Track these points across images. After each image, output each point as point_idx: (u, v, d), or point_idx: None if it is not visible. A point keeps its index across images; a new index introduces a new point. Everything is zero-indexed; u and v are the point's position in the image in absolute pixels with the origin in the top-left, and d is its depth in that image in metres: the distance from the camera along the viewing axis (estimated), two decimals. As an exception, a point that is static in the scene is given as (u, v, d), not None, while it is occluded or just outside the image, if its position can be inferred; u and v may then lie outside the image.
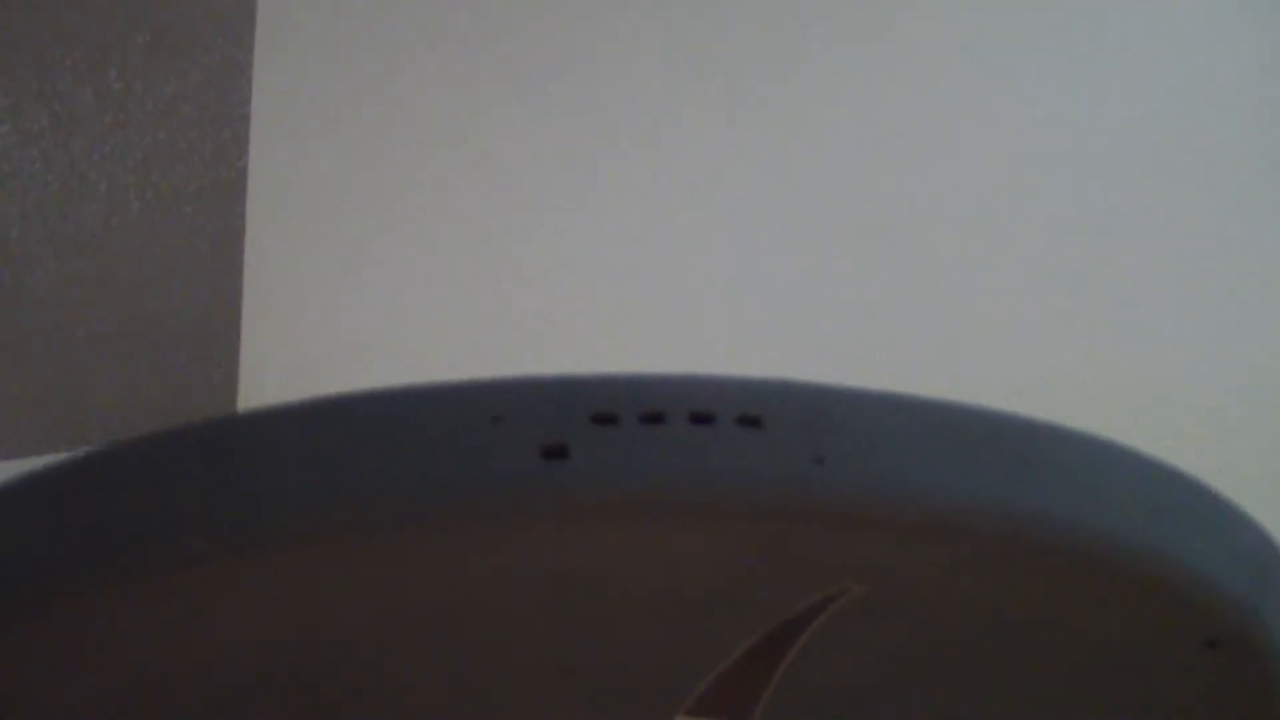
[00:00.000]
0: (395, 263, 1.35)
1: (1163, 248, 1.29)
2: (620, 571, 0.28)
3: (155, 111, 1.45)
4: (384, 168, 1.32)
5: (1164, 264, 1.31)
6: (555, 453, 0.25)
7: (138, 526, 0.25)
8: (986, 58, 1.36)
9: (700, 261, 1.32)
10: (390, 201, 1.30)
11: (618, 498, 0.25)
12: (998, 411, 0.28)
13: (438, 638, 0.29)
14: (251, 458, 0.26)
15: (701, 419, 0.26)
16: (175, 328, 1.52)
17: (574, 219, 1.31)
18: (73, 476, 0.26)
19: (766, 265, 1.32)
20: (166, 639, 0.28)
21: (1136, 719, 0.34)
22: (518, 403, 0.26)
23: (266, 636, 0.29)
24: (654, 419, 0.25)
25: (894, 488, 0.26)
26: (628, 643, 0.30)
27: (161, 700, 0.29)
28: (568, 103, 1.33)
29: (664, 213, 1.31)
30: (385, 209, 1.33)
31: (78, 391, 1.42)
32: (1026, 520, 0.27)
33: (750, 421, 0.26)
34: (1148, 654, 0.32)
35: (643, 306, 1.28)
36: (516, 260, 1.29)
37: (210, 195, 1.49)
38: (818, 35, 1.36)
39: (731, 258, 1.33)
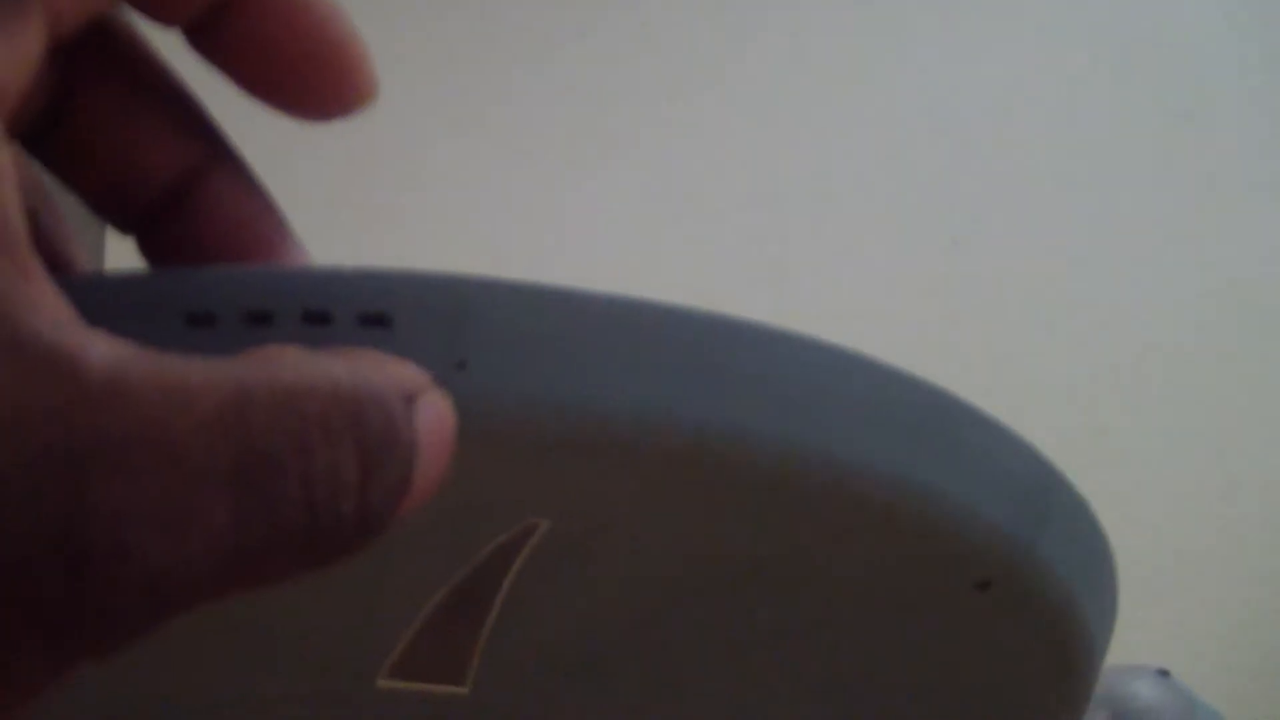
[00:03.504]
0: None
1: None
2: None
3: None
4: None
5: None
6: None
7: None
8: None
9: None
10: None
11: None
12: (693, 310, 0.24)
13: None
14: None
15: (316, 318, 0.21)
16: None
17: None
18: None
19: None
20: None
21: (902, 670, 0.30)
22: (111, 302, 0.22)
23: None
24: (259, 319, 0.21)
25: (553, 396, 0.22)
26: (292, 602, 0.26)
27: None
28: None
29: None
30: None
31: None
32: (728, 439, 0.23)
33: (375, 320, 0.22)
34: (908, 598, 0.28)
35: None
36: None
37: None
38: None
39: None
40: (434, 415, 0.20)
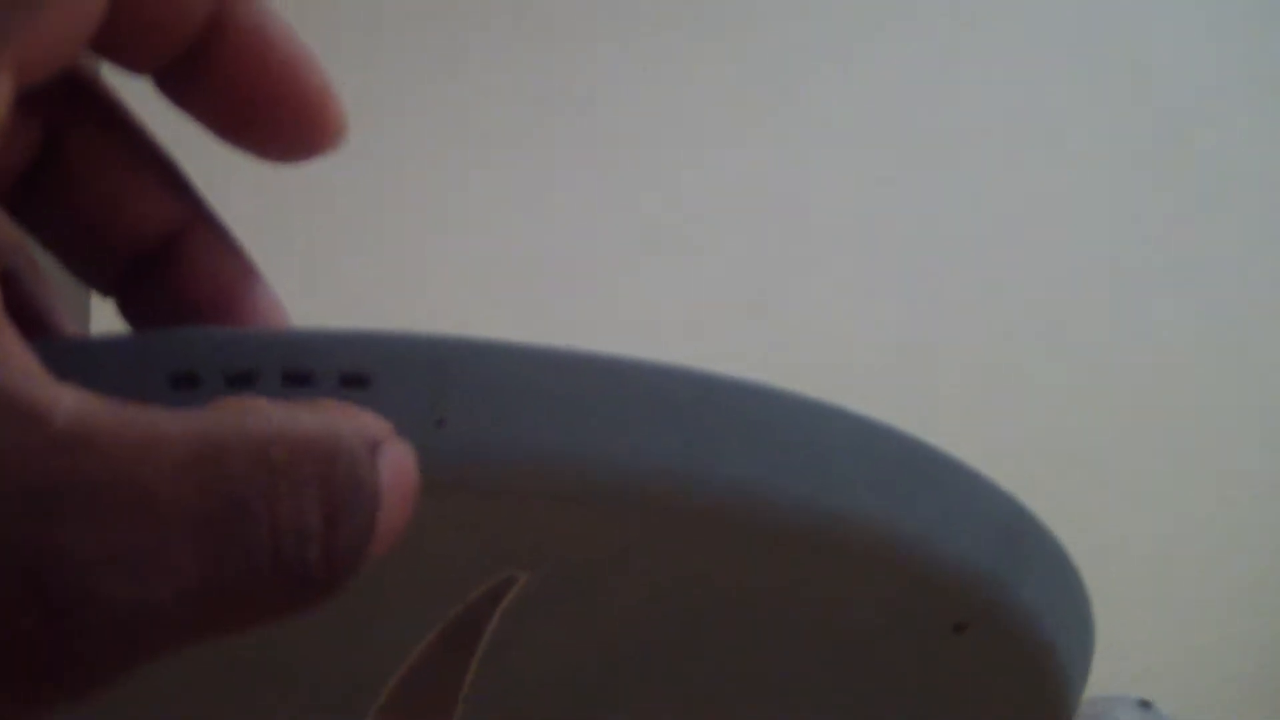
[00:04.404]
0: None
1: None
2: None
3: None
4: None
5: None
6: None
7: None
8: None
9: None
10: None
11: None
12: (676, 367, 0.24)
13: None
14: None
15: (298, 379, 0.22)
16: None
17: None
18: None
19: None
20: None
21: (881, 710, 0.30)
22: (95, 363, 0.22)
23: None
24: (242, 380, 0.22)
25: (533, 452, 0.22)
26: (278, 648, 0.26)
27: None
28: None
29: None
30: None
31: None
32: (705, 489, 0.24)
33: (356, 381, 0.22)
34: (887, 640, 0.28)
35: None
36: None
37: None
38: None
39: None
40: (396, 463, 0.21)
